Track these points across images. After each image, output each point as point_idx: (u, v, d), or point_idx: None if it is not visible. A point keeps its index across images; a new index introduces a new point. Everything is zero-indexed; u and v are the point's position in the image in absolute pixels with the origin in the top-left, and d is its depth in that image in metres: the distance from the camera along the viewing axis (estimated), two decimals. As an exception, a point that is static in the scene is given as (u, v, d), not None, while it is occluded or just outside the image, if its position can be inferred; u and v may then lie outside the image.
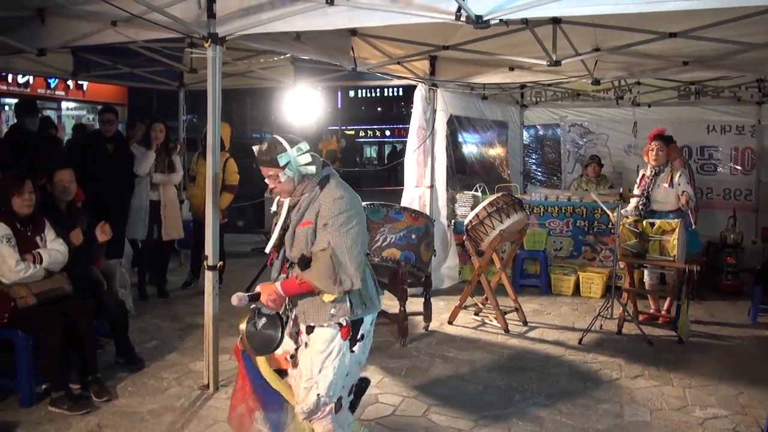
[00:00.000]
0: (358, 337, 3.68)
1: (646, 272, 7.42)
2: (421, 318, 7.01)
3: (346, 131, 50.79)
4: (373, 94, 53.22)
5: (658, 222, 6.88)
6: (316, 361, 3.61)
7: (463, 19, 4.22)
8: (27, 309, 4.85)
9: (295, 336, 3.78)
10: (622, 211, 7.04)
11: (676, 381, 5.66)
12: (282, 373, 3.87)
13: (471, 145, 11.52)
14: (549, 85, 10.26)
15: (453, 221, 9.03)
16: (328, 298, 3.51)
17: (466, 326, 7.17)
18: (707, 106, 10.38)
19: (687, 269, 6.76)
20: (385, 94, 52.34)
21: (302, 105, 7.94)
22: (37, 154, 7.04)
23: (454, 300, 7.58)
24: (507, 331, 6.95)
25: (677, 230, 6.64)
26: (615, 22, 5.86)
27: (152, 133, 7.62)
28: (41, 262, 4.95)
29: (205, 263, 5.13)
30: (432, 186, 8.62)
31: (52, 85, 19.54)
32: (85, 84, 19.63)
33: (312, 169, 3.53)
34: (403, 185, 8.55)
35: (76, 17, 5.58)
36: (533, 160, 12.34)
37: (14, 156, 7.10)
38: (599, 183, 9.97)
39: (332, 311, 3.56)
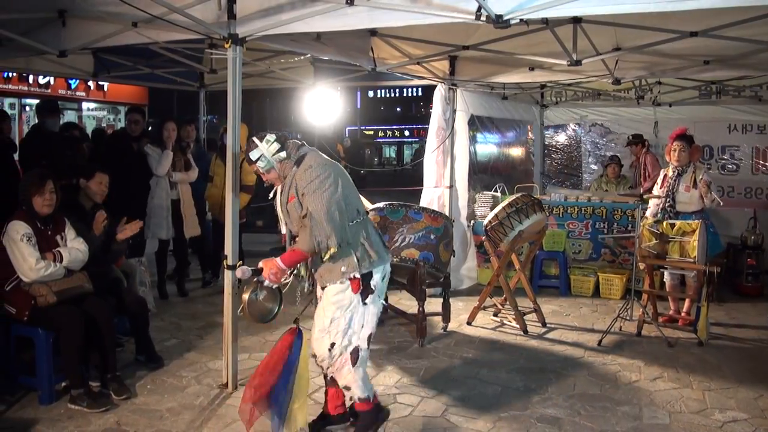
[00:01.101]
0: (371, 289, 4.10)
1: (666, 274, 7.37)
2: (439, 318, 7.00)
3: (365, 131, 50.91)
4: (393, 95, 53.29)
5: (678, 223, 6.82)
6: (327, 312, 4.09)
7: (483, 18, 4.21)
8: (47, 307, 4.89)
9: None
10: (641, 211, 7.00)
11: (696, 383, 5.61)
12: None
13: (491, 145, 11.49)
14: (569, 84, 10.21)
15: (472, 222, 9.01)
16: (326, 256, 3.97)
17: (485, 327, 7.16)
18: (728, 106, 10.28)
19: (707, 271, 6.71)
20: (405, 94, 52.39)
21: (322, 105, 7.96)
22: (60, 154, 7.10)
23: (473, 301, 7.57)
24: (526, 332, 6.93)
25: (698, 231, 6.58)
26: (635, 22, 5.82)
27: (165, 133, 7.63)
28: (61, 261, 4.99)
29: (224, 263, 5.15)
30: (451, 186, 8.60)
31: (73, 86, 19.71)
32: (106, 85, 19.80)
33: (283, 154, 4.03)
34: (422, 185, 8.53)
35: (96, 19, 5.62)
36: (553, 161, 12.28)
37: (36, 156, 7.17)
38: (619, 183, 9.91)
39: (342, 269, 4.02)
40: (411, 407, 5.00)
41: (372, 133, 53.83)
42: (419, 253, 6.42)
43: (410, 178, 10.95)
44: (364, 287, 4.07)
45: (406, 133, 52.94)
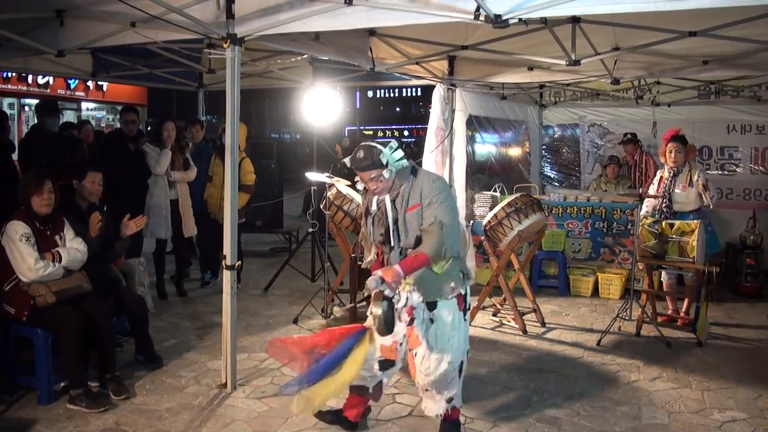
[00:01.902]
0: (467, 306, 4.24)
1: (664, 273, 7.37)
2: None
3: (364, 131, 50.90)
4: (392, 95, 53.28)
5: (677, 223, 6.83)
6: (445, 333, 4.13)
7: (481, 18, 4.20)
8: (46, 307, 4.89)
9: (407, 320, 4.13)
10: (639, 212, 7.01)
11: (695, 383, 5.62)
12: (389, 364, 4.30)
13: (490, 145, 11.49)
14: (568, 84, 10.20)
15: (471, 222, 9.00)
16: (439, 269, 4.01)
17: (484, 327, 7.15)
18: (727, 106, 10.26)
19: (706, 271, 6.71)
20: (404, 94, 52.38)
21: (321, 105, 7.95)
22: (59, 154, 7.11)
23: (472, 301, 7.55)
24: (525, 332, 6.93)
25: (697, 231, 6.58)
26: (634, 21, 5.82)
27: (164, 132, 7.63)
28: (60, 261, 4.98)
29: (223, 263, 5.15)
30: (451, 186, 8.59)
31: (72, 86, 19.72)
32: (105, 85, 19.81)
33: (405, 162, 4.04)
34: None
35: (95, 18, 5.61)
36: (552, 161, 12.28)
37: (35, 156, 7.16)
38: (618, 183, 9.91)
39: (452, 284, 4.09)
40: (410, 407, 5.00)
41: (371, 133, 53.83)
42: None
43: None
44: (465, 303, 4.23)
45: (406, 133, 52.91)
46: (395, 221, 4.10)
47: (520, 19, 4.31)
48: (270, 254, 11.23)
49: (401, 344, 4.24)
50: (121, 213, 5.82)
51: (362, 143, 4.09)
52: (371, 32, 6.86)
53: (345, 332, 4.11)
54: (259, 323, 7.11)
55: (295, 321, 7.12)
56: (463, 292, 4.18)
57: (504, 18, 4.21)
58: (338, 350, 4.01)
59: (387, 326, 3.87)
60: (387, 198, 4.11)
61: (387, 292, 3.85)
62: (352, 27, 4.92)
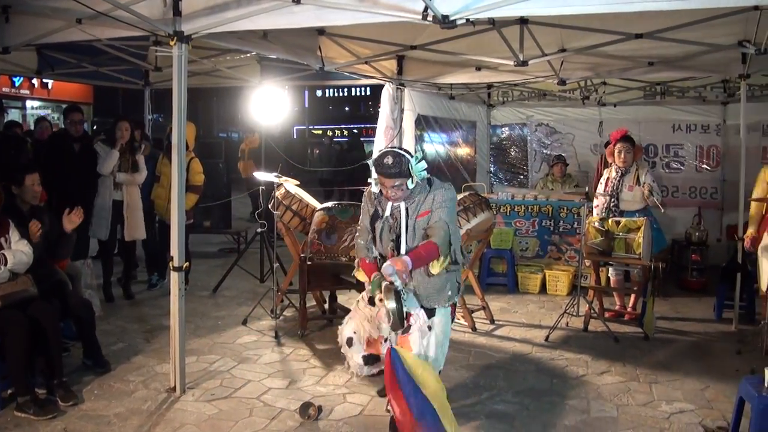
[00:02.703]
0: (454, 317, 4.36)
1: (611, 270, 7.50)
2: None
3: (313, 131, 50.71)
4: (341, 94, 53.13)
5: (623, 220, 6.95)
6: (440, 342, 4.24)
7: (429, 18, 4.23)
8: (-9, 312, 4.75)
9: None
10: (586, 208, 7.12)
11: (642, 377, 5.72)
12: (373, 359, 4.43)
13: (438, 145, 11.54)
14: (516, 85, 10.32)
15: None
16: (435, 269, 4.09)
17: (434, 325, 7.17)
18: (673, 106, 10.51)
19: (652, 266, 6.84)
20: (353, 93, 52.28)
21: (269, 104, 7.89)
22: (4, 154, 6.93)
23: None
24: (474, 329, 6.98)
25: (643, 228, 6.71)
26: (581, 23, 5.92)
27: (117, 132, 7.49)
28: (6, 264, 4.85)
29: (170, 264, 5.07)
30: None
31: (17, 84, 19.27)
32: (50, 82, 19.39)
33: (426, 173, 4.09)
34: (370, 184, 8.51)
35: (40, 15, 5.51)
36: (500, 160, 12.38)
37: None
38: (565, 182, 10.05)
39: (449, 292, 4.21)
40: (361, 407, 4.99)
41: (320, 132, 53.65)
42: (368, 252, 6.41)
43: (359, 177, 10.93)
44: (453, 313, 4.40)
45: (355, 132, 52.87)
46: (406, 226, 4.15)
47: (467, 20, 4.36)
48: (219, 255, 11.12)
49: (386, 339, 4.30)
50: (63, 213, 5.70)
51: (389, 149, 4.14)
52: (320, 31, 6.85)
53: (389, 374, 3.91)
54: (207, 325, 7.03)
55: (244, 322, 7.07)
56: (455, 302, 4.33)
57: (452, 18, 4.25)
58: (406, 388, 3.84)
59: (400, 320, 3.94)
60: (402, 205, 4.15)
61: (397, 284, 3.91)
62: (300, 26, 4.91)
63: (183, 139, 5.03)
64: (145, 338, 6.54)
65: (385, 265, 3.93)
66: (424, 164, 4.05)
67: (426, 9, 4.18)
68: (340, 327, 4.54)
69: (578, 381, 5.62)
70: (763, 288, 5.99)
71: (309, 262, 6.53)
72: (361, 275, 4.48)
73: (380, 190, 4.16)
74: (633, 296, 7.47)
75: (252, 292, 8.25)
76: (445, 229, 4.02)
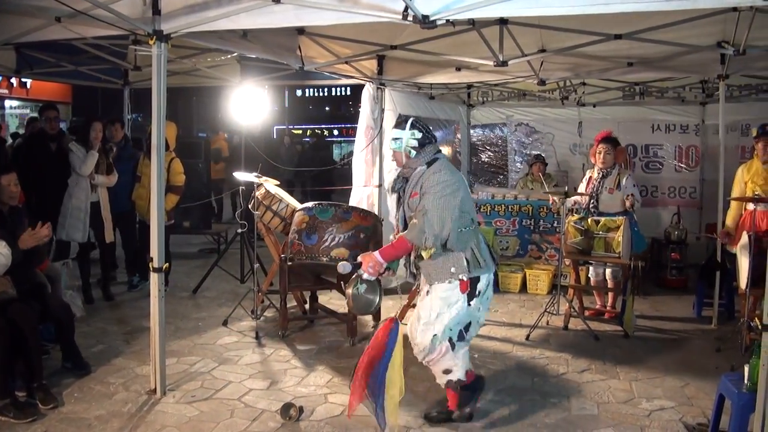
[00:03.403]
0: (476, 293, 4.40)
1: (590, 269, 7.54)
2: (370, 317, 7.02)
3: (293, 130, 50.58)
4: (321, 94, 53.05)
5: (602, 219, 6.99)
6: (435, 307, 4.38)
7: (410, 18, 4.23)
8: (-31, 314, 4.69)
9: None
10: (565, 206, 7.15)
11: (623, 374, 5.76)
12: None
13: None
14: (495, 85, 10.35)
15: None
16: (426, 254, 4.29)
17: (416, 325, 7.18)
18: (652, 107, 10.59)
19: (632, 265, 6.89)
20: (333, 93, 52.20)
21: (249, 104, 7.85)
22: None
23: (402, 299, 7.60)
24: (456, 329, 6.98)
25: (622, 227, 6.75)
26: (561, 24, 5.95)
27: (92, 133, 7.42)
28: (-18, 265, 4.80)
29: (150, 265, 5.04)
30: (380, 185, 8.62)
31: (-5, 83, 19.04)
32: (29, 82, 19.19)
33: (413, 152, 4.40)
34: (351, 185, 8.52)
35: (19, 13, 5.45)
36: (480, 159, 12.41)
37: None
38: (544, 182, 10.08)
39: (452, 269, 4.32)
40: (342, 407, 4.98)
41: (300, 132, 53.52)
42: (349, 252, 6.40)
43: (339, 177, 10.97)
44: (471, 289, 4.38)
45: (335, 132, 52.80)
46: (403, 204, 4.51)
47: (447, 20, 4.36)
48: (199, 256, 11.07)
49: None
50: (43, 214, 5.63)
51: (413, 116, 4.58)
52: (300, 31, 6.83)
53: (383, 339, 4.27)
54: (188, 326, 7.00)
55: (225, 323, 7.04)
56: (465, 278, 4.33)
57: (432, 19, 4.25)
58: (384, 359, 4.21)
59: (358, 306, 4.38)
60: (394, 179, 4.56)
61: (365, 276, 4.24)
62: (280, 25, 4.89)
63: (162, 139, 5.00)
64: (125, 340, 6.50)
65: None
66: (414, 142, 4.40)
67: (406, 9, 4.18)
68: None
69: (559, 379, 5.65)
70: (742, 286, 6.05)
71: (289, 263, 6.51)
72: None
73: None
74: (611, 295, 7.52)
75: (232, 293, 8.22)
76: (420, 223, 4.19)
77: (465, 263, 4.33)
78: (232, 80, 9.07)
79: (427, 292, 4.46)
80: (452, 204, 4.24)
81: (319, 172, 14.07)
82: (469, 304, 4.41)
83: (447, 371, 4.57)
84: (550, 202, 7.94)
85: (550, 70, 7.67)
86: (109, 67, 9.06)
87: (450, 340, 4.44)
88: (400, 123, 4.51)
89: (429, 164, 4.38)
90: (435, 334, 4.38)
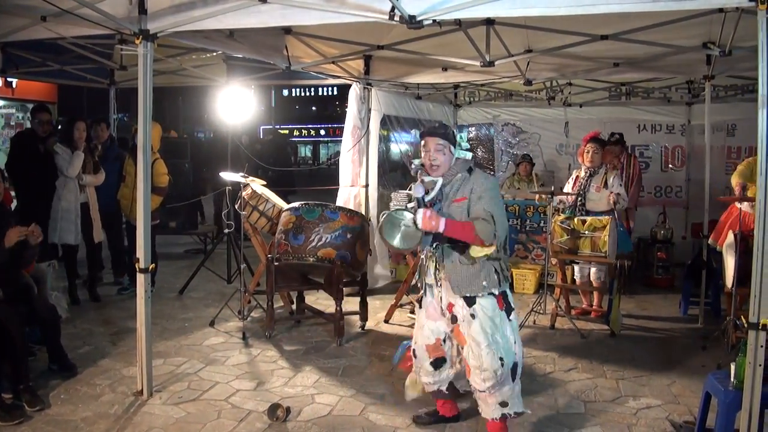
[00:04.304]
0: (512, 307, 4.25)
1: (576, 268, 7.57)
2: (357, 317, 7.01)
3: (280, 130, 50.53)
4: (308, 94, 53.11)
5: (589, 219, 7.01)
6: (489, 328, 4.10)
7: (396, 19, 4.23)
8: (-46, 316, 4.66)
9: (449, 317, 4.26)
10: (552, 205, 7.18)
11: (609, 373, 5.78)
12: (440, 362, 4.42)
13: (403, 144, 11.56)
14: (482, 85, 10.35)
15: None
16: (476, 253, 4.05)
17: (402, 324, 7.20)
18: (638, 107, 10.65)
19: (618, 264, 6.92)
20: (320, 93, 52.27)
21: (235, 104, 7.83)
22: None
23: (389, 299, 7.61)
24: (443, 328, 6.99)
25: (608, 227, 6.78)
26: (547, 24, 5.96)
27: (75, 133, 7.37)
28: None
29: (136, 266, 5.01)
30: (367, 185, 8.63)
31: (-20, 83, 18.90)
32: (15, 81, 19.07)
33: (469, 154, 4.23)
34: (338, 184, 8.51)
35: (4, 12, 5.41)
36: (467, 159, 12.40)
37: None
38: (531, 181, 10.11)
39: (484, 283, 4.12)
40: (330, 407, 4.98)
41: (287, 132, 53.50)
42: (336, 252, 6.41)
43: (326, 177, 10.95)
44: (506, 305, 4.24)
45: (322, 132, 52.83)
46: (438, 209, 4.12)
47: (434, 21, 4.37)
48: (185, 256, 11.03)
49: (444, 341, 4.38)
50: (30, 216, 5.59)
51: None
52: (287, 30, 6.81)
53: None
54: (174, 327, 6.97)
55: (212, 324, 7.02)
56: (497, 292, 4.17)
57: (418, 19, 4.26)
58: None
59: (388, 230, 4.06)
60: (439, 182, 4.16)
61: (417, 191, 4.02)
62: (266, 25, 4.88)
63: (148, 139, 4.97)
64: (112, 341, 6.47)
65: (415, 185, 4.06)
66: (467, 145, 4.23)
67: (393, 9, 4.19)
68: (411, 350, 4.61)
69: (546, 378, 5.67)
70: (729, 284, 6.09)
71: (276, 263, 6.50)
72: None
73: (421, 165, 4.25)
74: (596, 294, 7.55)
75: (219, 294, 8.19)
76: (490, 221, 3.94)
77: (495, 277, 4.16)
78: (218, 80, 9.04)
79: (472, 315, 4.14)
80: (503, 209, 4.15)
81: (280, 173, 13.94)
82: (510, 320, 4.25)
83: (504, 404, 4.21)
84: (536, 199, 7.95)
85: (536, 71, 7.69)
86: (95, 66, 9.02)
87: (515, 366, 4.19)
88: (449, 128, 4.29)
89: (470, 171, 4.21)
90: (501, 357, 4.08)
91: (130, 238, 8.17)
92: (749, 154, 9.35)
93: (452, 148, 4.16)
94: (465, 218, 4.05)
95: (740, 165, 6.79)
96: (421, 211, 3.90)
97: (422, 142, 4.22)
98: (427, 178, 4.19)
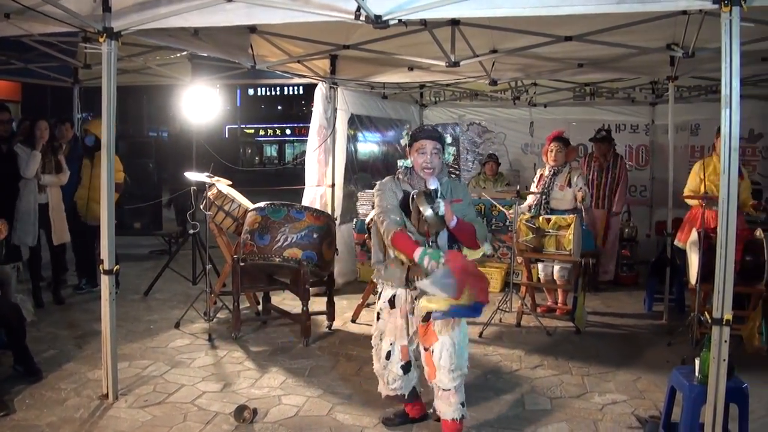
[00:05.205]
0: None
1: (540, 266, 7.63)
2: (324, 317, 7.00)
3: (245, 130, 50.27)
4: (273, 93, 52.84)
5: (553, 218, 7.08)
6: (464, 330, 4.19)
7: (362, 18, 4.24)
8: None
9: (421, 316, 4.15)
10: (518, 207, 7.22)
11: (575, 369, 5.84)
12: (408, 366, 4.38)
13: (372, 144, 11.57)
14: (447, 85, 10.40)
15: (354, 219, 9.05)
16: (472, 255, 4.21)
17: (369, 324, 7.14)
18: (602, 107, 10.79)
19: (582, 262, 6.99)
20: (286, 92, 52.06)
21: (200, 103, 7.77)
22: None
23: (356, 298, 7.61)
24: (410, 328, 7.00)
25: (572, 225, 6.85)
26: (512, 25, 6.00)
27: (36, 132, 7.26)
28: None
29: (100, 267, 4.95)
30: (333, 185, 8.62)
31: (-58, 81, 18.53)
32: (-24, 79, 18.73)
33: (450, 158, 4.32)
34: (304, 184, 8.48)
35: (-34, 9, 5.32)
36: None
37: None
38: (497, 181, 10.18)
39: None
40: (297, 408, 4.97)
41: (253, 131, 53.25)
42: (302, 252, 6.40)
43: (292, 177, 10.92)
44: None
45: (288, 131, 52.63)
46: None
47: (400, 20, 4.38)
48: (149, 257, 10.92)
49: (410, 343, 4.33)
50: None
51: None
52: (252, 29, 6.77)
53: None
54: (139, 329, 6.90)
55: (177, 326, 6.95)
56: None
57: (384, 19, 4.28)
58: None
59: (440, 220, 3.94)
60: (433, 183, 4.06)
61: (432, 184, 4.01)
62: (231, 24, 4.87)
63: (113, 138, 4.91)
64: (77, 344, 6.38)
65: (430, 179, 4.05)
66: (452, 156, 4.35)
67: (359, 9, 4.19)
68: (374, 346, 4.49)
69: (512, 375, 5.70)
70: (693, 281, 6.18)
71: (242, 264, 6.46)
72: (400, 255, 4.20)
73: (410, 170, 4.22)
74: (561, 292, 7.62)
75: (184, 295, 8.12)
76: (480, 223, 4.22)
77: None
78: (183, 79, 8.97)
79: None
80: None
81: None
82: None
83: (463, 404, 4.23)
84: (509, 197, 7.91)
85: (501, 71, 7.73)
86: (59, 65, 8.90)
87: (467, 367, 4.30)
88: (440, 132, 4.31)
89: (447, 174, 4.39)
90: (466, 359, 4.25)
91: (83, 240, 8.11)
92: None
93: (444, 152, 4.20)
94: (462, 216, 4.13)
95: (689, 180, 6.97)
96: (441, 201, 3.93)
97: (416, 145, 4.14)
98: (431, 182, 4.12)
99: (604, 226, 8.92)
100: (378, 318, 4.45)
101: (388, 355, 4.37)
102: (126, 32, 4.86)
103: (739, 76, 3.72)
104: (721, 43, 3.73)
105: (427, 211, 3.89)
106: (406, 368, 4.38)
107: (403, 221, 4.13)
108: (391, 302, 4.32)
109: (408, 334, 4.30)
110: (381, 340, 4.42)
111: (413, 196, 3.98)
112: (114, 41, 4.79)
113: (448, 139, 4.26)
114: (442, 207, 3.91)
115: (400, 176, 4.26)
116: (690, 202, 6.90)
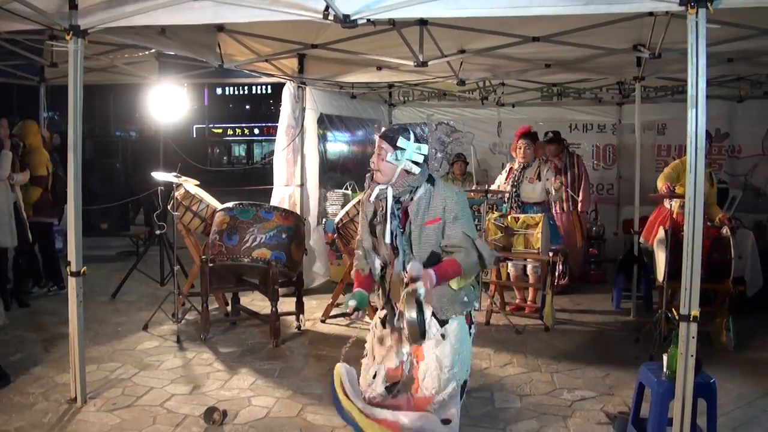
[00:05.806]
0: (472, 320, 3.84)
1: (510, 265, 7.68)
2: (293, 318, 6.98)
3: (213, 129, 49.88)
4: (241, 92, 52.48)
5: (522, 217, 7.14)
6: (455, 351, 3.69)
7: (330, 18, 4.24)
8: None
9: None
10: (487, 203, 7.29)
11: (544, 367, 5.89)
12: (393, 386, 3.86)
13: (342, 144, 11.55)
14: (416, 85, 10.42)
15: (324, 219, 9.03)
16: (456, 285, 3.63)
17: (339, 324, 7.19)
18: (570, 107, 10.90)
19: (551, 260, 7.05)
20: (253, 91, 51.70)
21: (167, 102, 7.70)
22: None
23: (326, 298, 7.59)
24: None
25: (541, 224, 6.90)
26: (480, 26, 6.02)
27: (0, 131, 7.16)
28: None
29: (67, 269, 4.89)
30: (302, 185, 8.59)
31: None
32: (-60, 79, 18.35)
33: (416, 168, 3.72)
34: (272, 184, 8.45)
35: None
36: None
37: None
38: (465, 180, 10.21)
39: (465, 299, 3.72)
40: (267, 409, 4.95)
41: (221, 131, 52.88)
42: (271, 252, 6.38)
43: (260, 176, 10.88)
44: (470, 317, 3.84)
45: (256, 131, 52.34)
46: (409, 231, 3.68)
47: (368, 20, 4.39)
48: (117, 259, 10.80)
49: (404, 363, 3.87)
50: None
51: (405, 124, 3.88)
52: (219, 28, 6.73)
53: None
54: (107, 332, 6.82)
55: (145, 328, 6.89)
56: (470, 310, 3.82)
57: (353, 18, 4.29)
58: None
59: (421, 332, 3.42)
60: (390, 192, 3.71)
61: (420, 291, 3.35)
62: (199, 22, 4.86)
63: (79, 137, 4.84)
64: (44, 347, 6.29)
65: (412, 263, 3.45)
66: (419, 158, 3.79)
67: (327, 8, 4.19)
68: (363, 365, 4.09)
69: (482, 374, 5.73)
70: (660, 278, 6.26)
71: (210, 264, 6.42)
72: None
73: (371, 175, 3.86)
74: (531, 290, 7.67)
75: (152, 297, 8.05)
76: (473, 251, 3.55)
77: (473, 293, 3.81)
78: (150, 77, 8.87)
79: (443, 335, 3.71)
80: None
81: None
82: (471, 334, 3.84)
83: (446, 421, 3.68)
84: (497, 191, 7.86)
85: (469, 71, 7.78)
86: (25, 63, 8.75)
87: (465, 384, 3.85)
88: (402, 131, 3.86)
89: (432, 182, 3.79)
90: (457, 381, 3.73)
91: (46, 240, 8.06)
92: (679, 152, 9.66)
93: (390, 155, 3.73)
94: (440, 240, 3.62)
95: (666, 168, 6.98)
96: (421, 285, 3.36)
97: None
98: (377, 188, 3.78)
99: (576, 226, 8.90)
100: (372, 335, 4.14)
101: (375, 375, 4.00)
102: (93, 30, 4.81)
103: (705, 76, 3.78)
104: (687, 44, 3.78)
105: (411, 315, 3.35)
106: (391, 389, 3.95)
107: (365, 257, 3.89)
108: (383, 321, 3.99)
109: (400, 355, 3.90)
110: (370, 362, 4.07)
111: (403, 295, 3.43)
112: (81, 39, 4.74)
113: (404, 142, 3.79)
114: (422, 293, 3.36)
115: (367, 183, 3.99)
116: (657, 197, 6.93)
